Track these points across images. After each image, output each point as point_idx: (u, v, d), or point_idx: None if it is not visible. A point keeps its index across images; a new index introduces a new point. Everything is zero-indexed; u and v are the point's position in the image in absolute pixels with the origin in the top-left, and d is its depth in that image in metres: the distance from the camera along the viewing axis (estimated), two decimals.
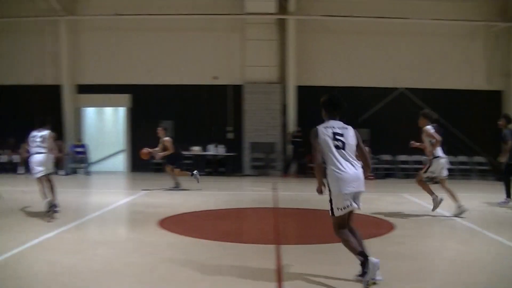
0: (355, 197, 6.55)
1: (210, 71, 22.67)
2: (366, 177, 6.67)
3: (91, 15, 22.57)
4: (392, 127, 21.90)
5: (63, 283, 6.51)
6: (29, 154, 12.78)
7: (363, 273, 6.26)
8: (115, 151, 24.02)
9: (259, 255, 7.99)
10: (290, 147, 21.90)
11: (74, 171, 22.08)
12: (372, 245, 7.27)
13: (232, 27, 22.56)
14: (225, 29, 22.66)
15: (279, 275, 6.83)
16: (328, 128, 6.63)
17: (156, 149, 16.83)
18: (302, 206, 13.42)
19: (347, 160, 6.54)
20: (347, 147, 6.58)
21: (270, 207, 13.43)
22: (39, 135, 12.48)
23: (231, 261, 7.63)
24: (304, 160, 21.35)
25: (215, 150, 22.08)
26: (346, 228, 6.60)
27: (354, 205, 6.54)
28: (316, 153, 6.60)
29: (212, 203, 13.89)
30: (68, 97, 22.90)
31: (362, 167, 6.65)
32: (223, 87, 22.63)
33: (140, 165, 22.50)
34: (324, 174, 6.64)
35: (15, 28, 23.07)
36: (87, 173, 21.68)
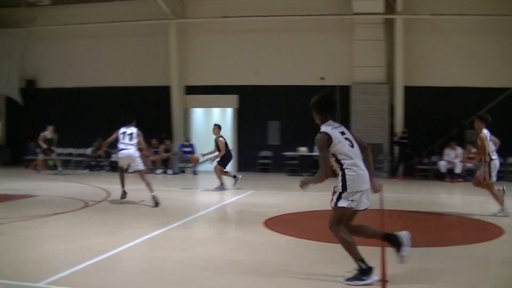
0: (368, 194, 6.51)
1: (317, 71, 22.58)
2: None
3: (199, 17, 23.00)
4: (504, 128, 21.06)
5: (170, 279, 6.70)
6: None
7: (356, 279, 6.40)
8: None
9: (363, 257, 7.90)
10: (396, 148, 21.51)
11: (182, 171, 22.55)
12: (479, 250, 7.06)
13: (339, 28, 22.34)
14: (333, 29, 22.49)
15: (383, 278, 6.74)
16: (335, 129, 6.49)
17: (211, 151, 16.83)
18: (409, 208, 13.16)
19: (360, 158, 6.48)
20: (355, 145, 6.52)
21: (375, 208, 13.24)
22: (128, 132, 13.24)
23: (335, 262, 7.59)
24: (412, 161, 20.97)
25: None
26: (342, 225, 6.56)
27: (368, 202, 6.51)
28: (325, 164, 6.40)
29: (317, 204, 13.82)
30: (176, 98, 23.45)
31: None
32: (331, 87, 22.47)
33: (247, 164, 22.76)
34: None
35: (128, 31, 23.89)
36: (195, 172, 22.08)
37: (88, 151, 23.62)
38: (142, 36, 24.08)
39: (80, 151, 24.23)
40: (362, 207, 6.51)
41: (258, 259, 7.75)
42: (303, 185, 6.79)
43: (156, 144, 22.46)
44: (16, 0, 24.04)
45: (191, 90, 23.79)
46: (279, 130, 22.91)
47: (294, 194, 15.73)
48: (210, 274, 6.93)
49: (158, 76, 23.75)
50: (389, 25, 21.92)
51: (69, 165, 24.05)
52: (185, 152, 22.47)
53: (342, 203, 6.46)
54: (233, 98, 23.45)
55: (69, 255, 7.76)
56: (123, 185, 13.94)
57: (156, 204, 12.74)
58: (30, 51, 25.54)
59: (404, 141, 20.88)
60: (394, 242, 6.43)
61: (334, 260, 7.72)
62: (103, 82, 24.38)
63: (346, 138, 6.49)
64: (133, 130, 13.73)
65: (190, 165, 22.38)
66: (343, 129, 6.60)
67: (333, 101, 6.74)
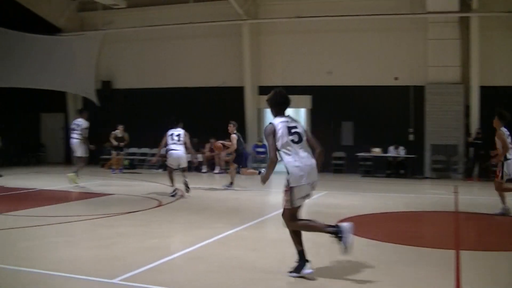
0: (313, 187, 6.99)
1: (390, 71, 22.27)
2: (319, 165, 7.12)
3: (273, 18, 23.02)
4: None
5: (241, 279, 6.71)
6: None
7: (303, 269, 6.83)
8: None
9: (437, 260, 7.75)
10: (471, 150, 20.97)
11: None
12: None
13: (413, 27, 21.96)
14: (406, 29, 22.12)
15: (458, 281, 6.58)
16: (283, 123, 6.94)
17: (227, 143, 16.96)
18: (485, 211, 12.81)
19: (305, 152, 6.90)
20: (303, 139, 6.93)
21: (450, 211, 12.98)
22: (176, 133, 14.53)
23: (407, 264, 7.48)
24: (487, 163, 20.45)
25: (396, 151, 21.65)
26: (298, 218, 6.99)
27: (311, 194, 7.05)
28: (272, 148, 6.82)
29: (391, 205, 13.66)
30: (250, 98, 23.55)
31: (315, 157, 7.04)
32: (404, 88, 22.13)
33: (321, 165, 22.65)
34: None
35: (201, 33, 24.17)
36: None
37: (163, 151, 23.94)
38: (216, 37, 24.32)
39: (154, 150, 24.60)
40: (310, 197, 7.18)
41: (330, 261, 7.69)
42: (264, 181, 7.23)
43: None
44: (94, 4, 24.63)
45: (265, 90, 23.78)
46: (353, 130, 22.70)
47: (368, 195, 15.57)
48: (281, 275, 6.91)
49: (232, 76, 23.91)
50: (464, 24, 21.38)
51: (144, 164, 24.49)
52: (258, 153, 22.54)
53: (296, 203, 7.03)
54: (307, 98, 23.37)
55: (143, 253, 7.89)
56: (173, 183, 14.76)
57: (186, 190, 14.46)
58: (106, 53, 26.17)
59: (479, 142, 20.35)
60: (334, 234, 6.95)
61: (409, 262, 7.59)
62: (177, 83, 24.73)
63: (294, 133, 6.92)
64: (180, 131, 14.93)
65: (263, 165, 22.45)
66: (294, 123, 7.04)
67: (285, 98, 7.23)
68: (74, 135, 16.71)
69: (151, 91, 25.03)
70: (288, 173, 6.85)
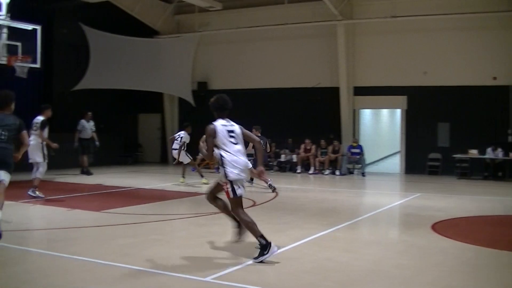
0: (245, 180, 7.83)
1: (488, 71, 21.49)
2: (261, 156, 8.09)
3: (368, 18, 22.72)
4: None
5: (333, 280, 6.65)
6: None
7: (260, 256, 7.39)
8: (391, 152, 23.91)
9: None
10: None
11: (350, 172, 22.44)
12: None
13: (508, 24, 21.20)
14: (505, 26, 21.30)
15: None
16: (223, 126, 7.85)
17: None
18: None
19: (241, 152, 7.77)
20: (239, 141, 7.83)
21: None
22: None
23: (507, 270, 7.22)
24: None
25: (494, 153, 20.91)
26: (243, 209, 7.88)
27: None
28: (210, 148, 7.74)
29: (488, 209, 13.23)
30: (345, 99, 23.33)
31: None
32: (503, 87, 21.34)
33: (416, 167, 22.24)
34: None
35: (296, 33, 24.18)
36: (363, 174, 21.89)
37: None
38: (310, 38, 24.26)
39: (249, 151, 24.79)
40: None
41: (424, 264, 7.53)
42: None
43: (325, 145, 22.53)
44: (190, 7, 25.08)
45: (360, 91, 23.57)
46: (449, 131, 22.10)
47: (464, 198, 15.13)
48: (374, 277, 6.82)
49: (327, 77, 23.78)
50: None
51: None
52: (353, 153, 22.32)
53: (239, 192, 7.70)
54: (402, 99, 22.95)
55: (236, 252, 7.95)
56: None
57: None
58: (202, 55, 26.59)
59: None
60: (238, 227, 8.08)
61: (504, 267, 7.34)
62: (272, 84, 24.82)
63: (232, 136, 7.84)
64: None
65: (358, 166, 22.28)
66: (232, 127, 7.95)
67: (226, 102, 8.24)
68: (175, 145, 17.55)
69: (246, 92, 25.22)
70: (225, 169, 7.63)
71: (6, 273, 6.78)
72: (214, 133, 7.74)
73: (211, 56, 26.47)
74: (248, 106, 25.06)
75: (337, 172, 21.97)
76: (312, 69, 24.21)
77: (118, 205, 12.56)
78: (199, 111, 25.58)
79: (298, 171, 22.56)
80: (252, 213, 11.67)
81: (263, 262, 7.30)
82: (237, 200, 7.77)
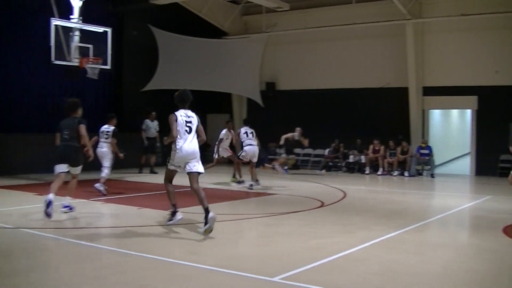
0: (187, 163, 9.68)
1: None
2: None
3: (437, 16, 22.38)
4: None
5: (400, 283, 6.62)
6: None
7: (171, 219, 10.13)
8: (461, 154, 23.47)
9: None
10: None
11: (419, 173, 22.14)
12: None
13: None
14: None
15: None
16: (183, 116, 9.64)
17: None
18: None
19: (191, 140, 9.67)
20: (192, 130, 9.69)
21: None
22: (249, 132, 16.87)
23: None
24: None
25: None
26: (171, 183, 10.15)
27: (187, 168, 9.74)
28: (173, 130, 9.49)
29: None
30: (414, 99, 23.02)
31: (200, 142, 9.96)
32: None
33: (486, 168, 21.79)
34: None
35: (363, 33, 24.02)
36: (432, 175, 21.56)
37: (326, 152, 24.04)
38: (378, 38, 24.07)
39: (317, 151, 24.80)
40: (187, 170, 9.76)
41: (496, 269, 7.41)
42: (165, 142, 10.05)
43: (393, 146, 22.30)
44: (258, 8, 25.24)
45: (429, 91, 23.23)
46: None
47: None
48: (442, 281, 6.74)
49: (395, 77, 23.54)
50: None
51: (307, 165, 24.74)
52: (422, 155, 22.02)
53: (169, 167, 9.87)
54: (472, 99, 22.49)
55: (304, 253, 8.00)
56: (240, 174, 17.74)
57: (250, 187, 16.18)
58: (270, 55, 26.72)
59: None
60: (206, 216, 9.26)
61: None
62: (339, 84, 24.73)
63: (187, 125, 9.64)
64: (252, 130, 16.93)
65: (427, 168, 21.98)
66: (190, 118, 9.71)
67: (187, 96, 9.87)
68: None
69: (313, 92, 25.23)
70: (172, 151, 9.68)
71: (78, 269, 7.00)
72: (175, 119, 9.52)
73: (278, 56, 26.57)
74: (316, 107, 25.10)
75: (406, 173, 21.70)
76: (380, 69, 24.02)
77: (186, 204, 12.72)
78: (268, 112, 25.77)
79: (367, 172, 22.40)
80: (320, 214, 11.76)
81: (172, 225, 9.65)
82: (167, 172, 10.06)
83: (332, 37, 24.79)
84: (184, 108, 9.77)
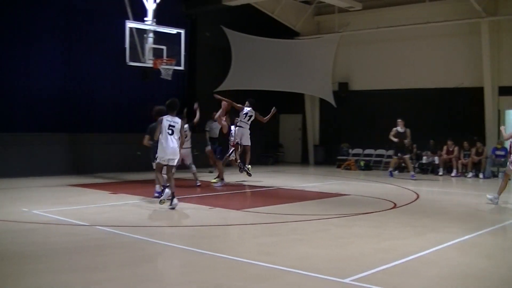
0: (170, 159, 12.05)
1: None
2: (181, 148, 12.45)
3: None
4: None
5: (474, 286, 6.59)
6: None
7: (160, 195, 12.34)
8: None
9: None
10: None
11: (494, 175, 21.66)
12: None
13: None
14: None
15: None
16: (168, 120, 11.95)
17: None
18: None
19: (172, 140, 11.97)
20: (175, 132, 11.99)
21: None
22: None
23: None
24: None
25: None
26: (162, 171, 12.30)
27: (171, 163, 12.10)
28: (156, 132, 12.04)
29: None
30: (489, 99, 22.57)
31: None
32: None
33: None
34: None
35: (436, 32, 23.68)
36: None
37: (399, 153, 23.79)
38: (452, 36, 23.69)
39: (390, 152, 24.57)
40: (170, 163, 12.12)
41: None
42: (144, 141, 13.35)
43: (467, 147, 21.91)
44: (330, 8, 25.24)
45: (505, 90, 22.71)
46: None
47: None
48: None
49: (469, 77, 23.13)
50: None
51: (380, 166, 24.57)
52: (498, 156, 21.54)
53: (158, 160, 12.15)
54: None
55: (375, 254, 8.03)
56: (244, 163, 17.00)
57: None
58: (342, 55, 26.67)
59: None
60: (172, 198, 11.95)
61: None
62: (412, 84, 24.47)
63: (170, 129, 11.95)
64: (253, 113, 17.12)
65: (503, 169, 21.48)
66: (174, 123, 12.04)
67: (175, 105, 12.19)
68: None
69: (386, 92, 25.05)
70: (158, 147, 12.07)
71: (152, 267, 7.25)
72: (161, 123, 11.89)
73: (351, 56, 26.49)
74: (388, 107, 24.87)
75: (481, 175, 21.27)
76: (454, 68, 23.63)
77: (259, 205, 12.92)
78: (340, 112, 25.73)
79: (440, 173, 22.08)
80: (393, 216, 11.72)
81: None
82: (157, 165, 12.30)
83: (405, 36, 24.54)
84: (171, 114, 12.10)
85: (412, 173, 20.44)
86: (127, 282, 6.54)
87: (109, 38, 20.54)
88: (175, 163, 12.22)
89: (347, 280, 6.57)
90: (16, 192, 14.78)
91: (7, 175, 17.59)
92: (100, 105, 21.15)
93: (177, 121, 12.06)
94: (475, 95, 22.70)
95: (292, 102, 27.33)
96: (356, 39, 26.00)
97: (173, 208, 11.86)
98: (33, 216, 10.87)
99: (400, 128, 20.61)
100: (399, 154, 20.77)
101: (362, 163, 24.36)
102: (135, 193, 14.63)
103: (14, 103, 19.10)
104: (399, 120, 20.75)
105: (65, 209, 12.02)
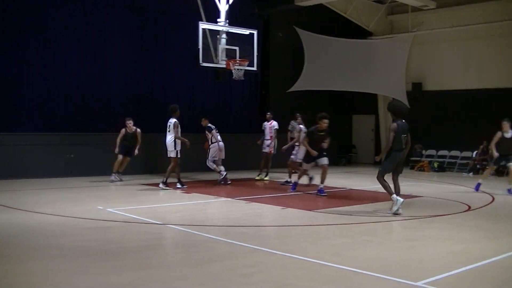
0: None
1: None
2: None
3: None
4: None
5: None
6: None
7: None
8: None
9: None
10: None
11: None
12: None
13: None
14: None
15: None
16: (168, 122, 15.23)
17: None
18: None
19: (167, 138, 15.32)
20: (169, 131, 15.41)
21: None
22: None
23: None
24: None
25: None
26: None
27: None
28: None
29: None
30: None
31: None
32: None
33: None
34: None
35: (491, 32, 23.17)
36: None
37: (474, 154, 23.32)
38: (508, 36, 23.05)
39: (464, 154, 24.09)
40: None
41: None
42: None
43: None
44: (403, 7, 24.93)
45: None
46: None
47: None
48: None
49: None
50: None
51: (454, 168, 24.11)
52: None
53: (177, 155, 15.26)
54: None
55: (449, 258, 7.90)
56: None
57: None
58: (416, 55, 26.25)
59: None
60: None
61: None
62: (487, 84, 23.78)
63: (168, 126, 15.10)
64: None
65: None
66: (169, 124, 15.02)
67: (177, 110, 15.46)
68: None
69: (461, 92, 24.51)
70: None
71: (225, 266, 7.33)
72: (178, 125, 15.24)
73: (425, 56, 26.04)
74: (464, 108, 24.41)
75: None
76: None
77: (331, 205, 12.89)
78: (414, 113, 25.36)
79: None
80: (466, 218, 11.50)
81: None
82: (177, 160, 15.19)
83: (480, 35, 23.96)
84: (171, 116, 15.41)
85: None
86: (197, 280, 6.64)
87: (182, 39, 20.90)
88: (169, 155, 15.63)
89: (419, 284, 6.49)
90: (90, 190, 15.20)
91: (85, 174, 18.24)
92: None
93: (171, 121, 15.46)
94: None
95: (365, 102, 27.15)
96: (430, 38, 25.54)
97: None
98: (108, 214, 11.18)
99: (506, 133, 15.91)
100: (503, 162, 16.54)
101: (435, 165, 23.95)
102: (208, 193, 14.82)
103: (89, 104, 19.70)
104: (504, 122, 16.10)
105: (138, 207, 12.29)
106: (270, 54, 24.53)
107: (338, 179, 19.14)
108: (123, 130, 17.63)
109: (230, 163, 18.29)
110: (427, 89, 25.85)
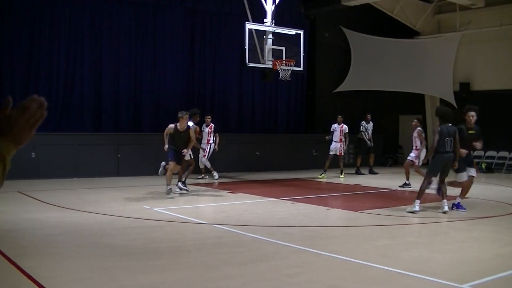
0: None
1: None
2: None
3: None
4: None
5: None
6: None
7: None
8: None
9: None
10: None
11: None
12: None
13: None
14: None
15: None
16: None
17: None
18: None
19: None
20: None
21: None
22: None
23: None
24: None
25: None
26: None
27: None
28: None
29: None
30: None
31: None
32: None
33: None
34: None
35: None
36: None
37: None
38: None
39: None
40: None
41: None
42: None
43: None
44: (451, 6, 24.67)
45: None
46: None
47: None
48: None
49: None
50: None
51: (502, 169, 23.78)
52: None
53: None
54: None
55: (495, 260, 7.86)
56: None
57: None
58: (464, 54, 25.93)
59: None
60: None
61: None
62: None
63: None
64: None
65: None
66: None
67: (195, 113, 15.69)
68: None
69: (510, 92, 24.15)
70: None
71: (271, 266, 7.42)
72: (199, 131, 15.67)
73: (473, 55, 25.71)
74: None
75: None
76: None
77: (376, 206, 12.88)
78: (461, 113, 25.07)
79: None
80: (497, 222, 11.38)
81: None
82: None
83: None
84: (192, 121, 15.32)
85: None
86: (243, 280, 6.75)
87: (229, 39, 21.13)
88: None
89: (465, 286, 6.47)
90: (137, 190, 15.43)
91: (134, 173, 18.53)
92: (222, 105, 21.79)
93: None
94: None
95: (412, 102, 26.91)
96: (478, 37, 25.18)
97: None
98: (154, 214, 11.38)
99: None
100: None
101: (483, 166, 23.64)
102: (254, 193, 14.94)
103: (139, 105, 20.02)
104: None
105: (184, 207, 12.48)
106: (316, 54, 24.55)
107: (384, 180, 19.08)
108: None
109: (276, 163, 18.39)
110: (475, 89, 25.53)
